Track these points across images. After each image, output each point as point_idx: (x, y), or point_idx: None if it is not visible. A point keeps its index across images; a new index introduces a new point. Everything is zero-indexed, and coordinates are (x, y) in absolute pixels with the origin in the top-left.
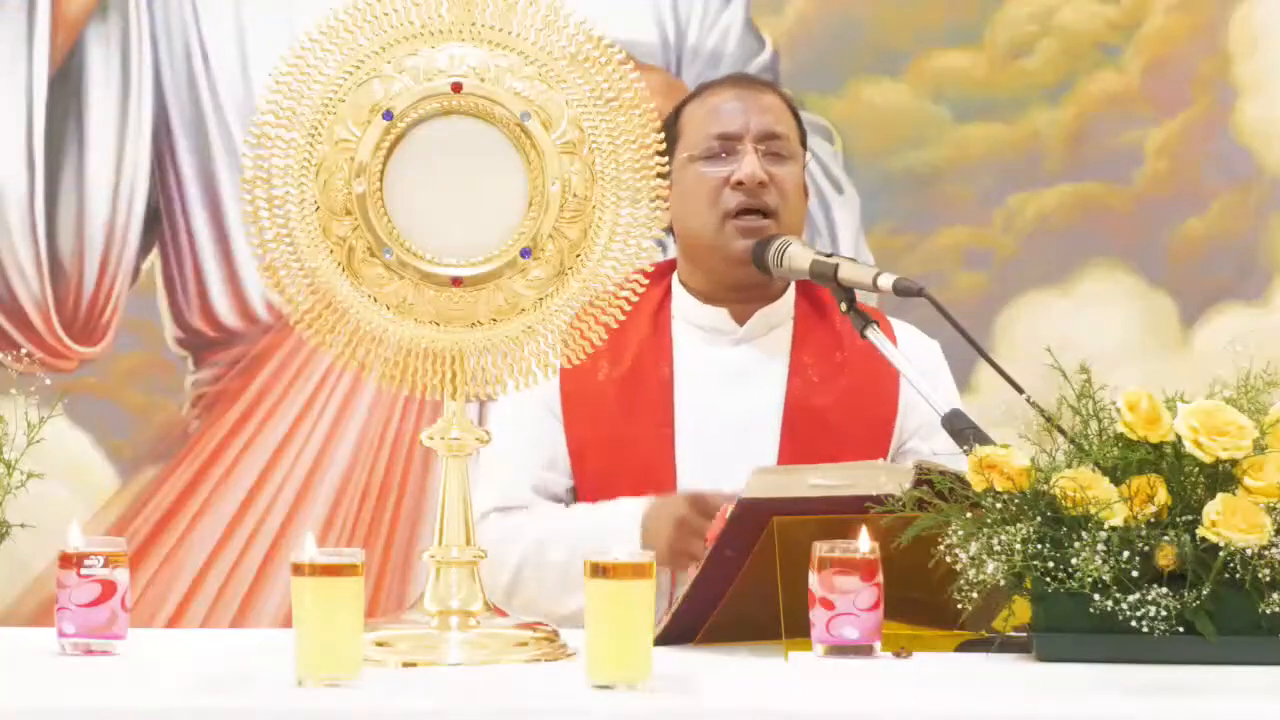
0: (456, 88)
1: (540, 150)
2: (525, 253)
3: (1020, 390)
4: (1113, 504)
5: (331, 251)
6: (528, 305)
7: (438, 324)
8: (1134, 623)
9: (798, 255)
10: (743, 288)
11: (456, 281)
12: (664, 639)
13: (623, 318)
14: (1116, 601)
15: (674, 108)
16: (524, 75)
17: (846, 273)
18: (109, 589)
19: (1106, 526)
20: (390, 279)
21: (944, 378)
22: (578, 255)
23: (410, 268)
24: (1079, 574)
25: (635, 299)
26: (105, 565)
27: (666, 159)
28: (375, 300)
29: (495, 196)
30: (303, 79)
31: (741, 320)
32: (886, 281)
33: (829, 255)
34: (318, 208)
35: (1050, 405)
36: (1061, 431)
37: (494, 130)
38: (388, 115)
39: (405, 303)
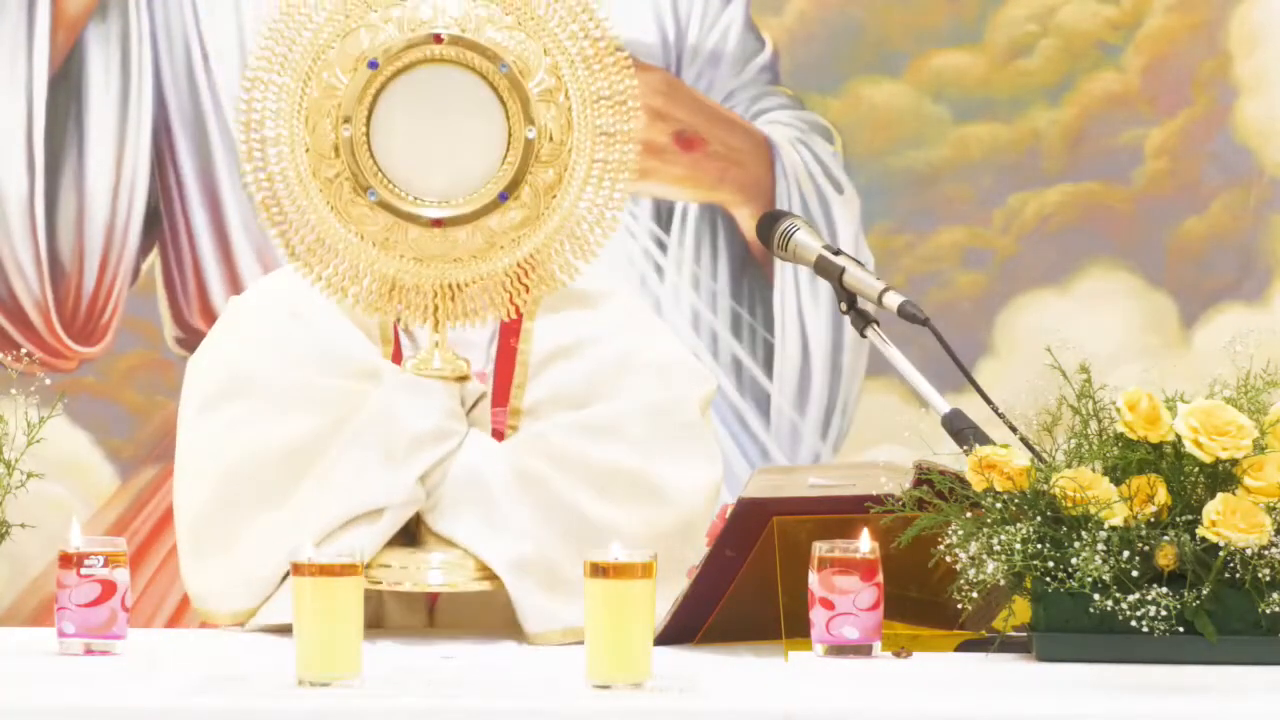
0: (438, 38)
1: (517, 97)
2: (503, 195)
3: (1015, 430)
4: (1113, 504)
5: (321, 190)
6: (506, 244)
7: (419, 260)
8: (1134, 623)
9: (805, 244)
10: None
11: (437, 223)
12: (664, 639)
13: (597, 255)
14: (1116, 601)
15: None
16: (503, 25)
17: (852, 280)
18: (109, 589)
19: (1106, 526)
20: (374, 218)
21: None
22: (553, 197)
23: (393, 208)
24: (1079, 574)
25: (608, 239)
26: (105, 565)
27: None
28: (361, 237)
29: (475, 142)
30: (294, 26)
31: None
32: (893, 301)
33: (836, 253)
34: (308, 149)
35: (1050, 405)
36: (1041, 459)
37: (474, 78)
38: (373, 64)
39: (389, 240)
